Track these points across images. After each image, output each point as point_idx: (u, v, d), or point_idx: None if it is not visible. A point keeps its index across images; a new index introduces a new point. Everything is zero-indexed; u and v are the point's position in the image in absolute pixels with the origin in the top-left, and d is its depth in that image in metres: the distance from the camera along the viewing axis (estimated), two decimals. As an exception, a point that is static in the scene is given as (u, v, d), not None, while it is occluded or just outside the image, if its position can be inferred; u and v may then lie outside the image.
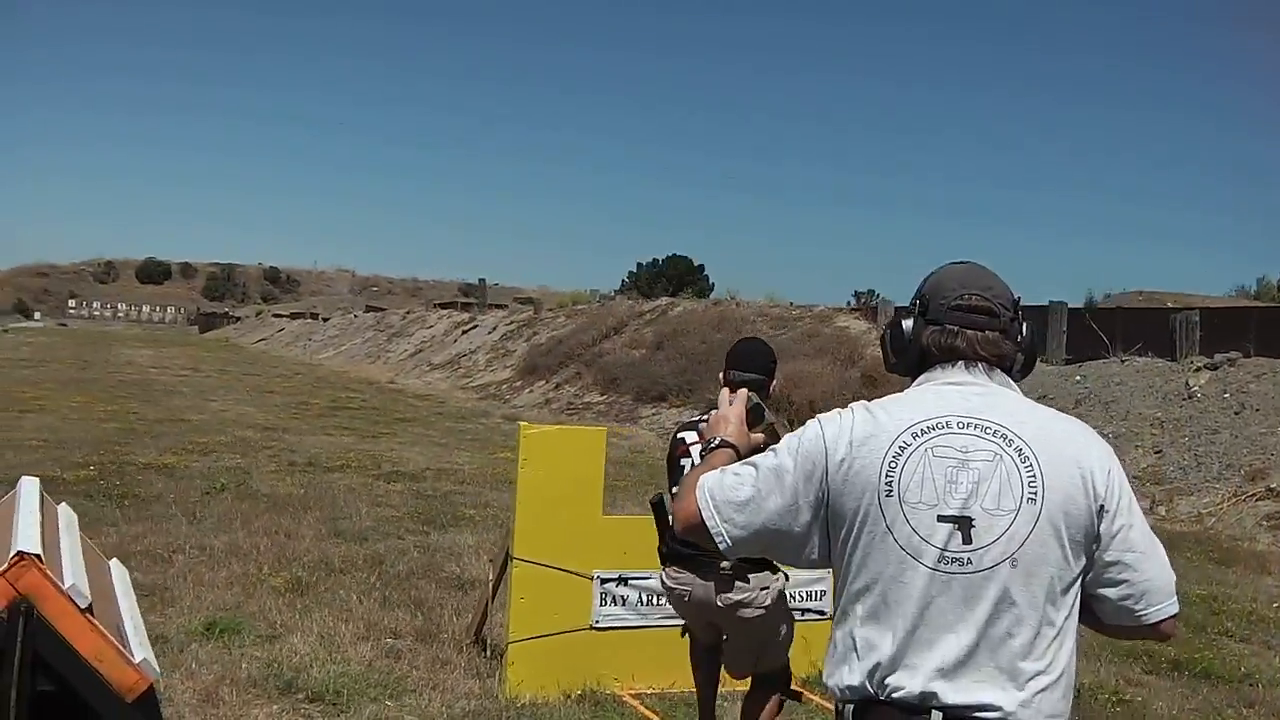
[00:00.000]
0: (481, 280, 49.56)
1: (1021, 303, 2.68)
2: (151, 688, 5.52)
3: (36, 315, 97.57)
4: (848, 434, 2.51)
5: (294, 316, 77.04)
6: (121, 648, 5.10)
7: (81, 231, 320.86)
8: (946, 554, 2.40)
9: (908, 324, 2.67)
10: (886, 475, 2.45)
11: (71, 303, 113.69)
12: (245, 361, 46.30)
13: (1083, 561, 2.45)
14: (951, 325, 2.59)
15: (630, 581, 6.39)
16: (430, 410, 26.54)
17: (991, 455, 2.44)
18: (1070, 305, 21.82)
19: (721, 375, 5.04)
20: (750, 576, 4.93)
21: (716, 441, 2.80)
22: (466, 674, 6.50)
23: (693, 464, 4.53)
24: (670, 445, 5.33)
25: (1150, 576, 2.48)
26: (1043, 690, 2.39)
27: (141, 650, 5.24)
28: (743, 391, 2.99)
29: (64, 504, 6.72)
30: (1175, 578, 2.54)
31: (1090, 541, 2.45)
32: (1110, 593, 2.49)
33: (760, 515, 2.53)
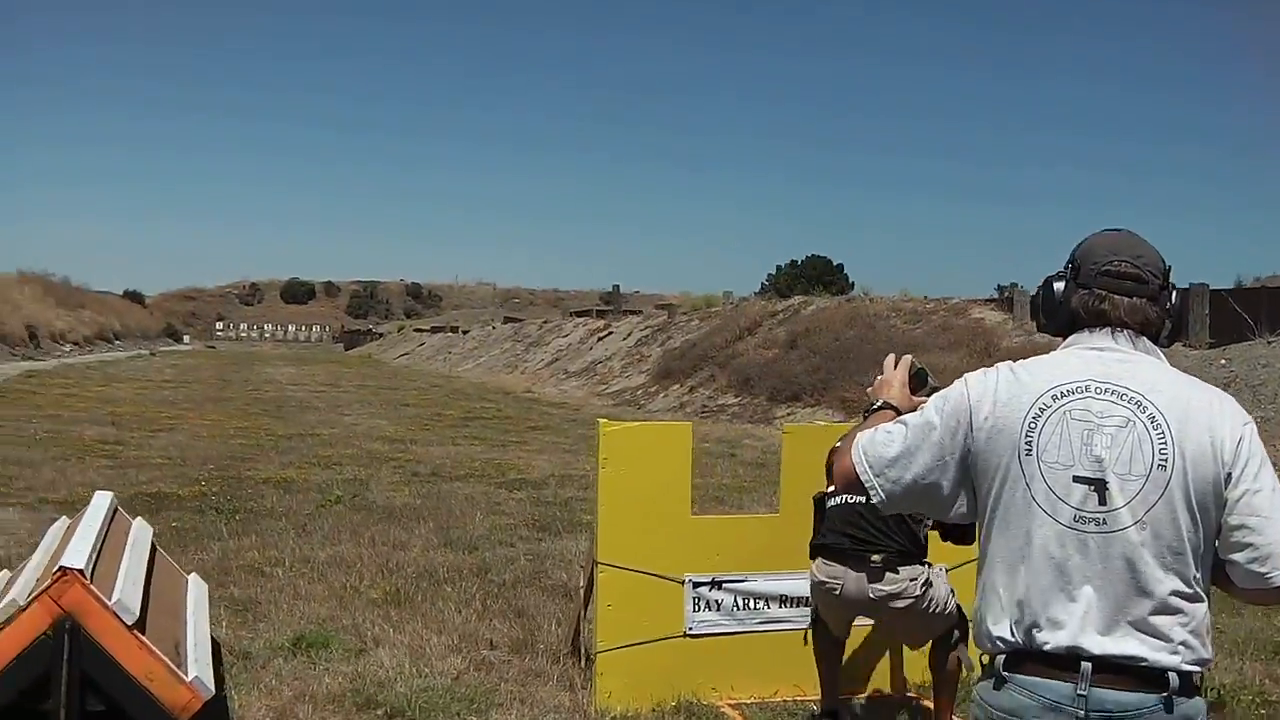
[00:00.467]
0: (616, 287, 49.41)
1: (1172, 272, 2.73)
2: (216, 704, 5.34)
3: (185, 339, 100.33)
4: (991, 393, 2.64)
5: (434, 330, 78.01)
6: (173, 665, 4.90)
7: (226, 255, 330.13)
8: (1082, 514, 2.51)
9: (1059, 286, 2.76)
10: (1026, 435, 2.57)
11: (219, 325, 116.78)
12: (385, 376, 46.85)
13: (1212, 526, 2.53)
14: (1100, 290, 2.67)
15: (725, 585, 6.00)
16: (564, 418, 26.36)
17: (1124, 421, 2.53)
18: (1212, 287, 20.74)
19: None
20: (900, 569, 5.04)
21: (879, 403, 3.02)
22: (559, 686, 6.18)
23: None
24: (845, 437, 5.17)
25: (1275, 540, 2.50)
26: (1181, 642, 2.49)
27: (197, 668, 5.05)
28: (907, 357, 3.18)
29: (139, 519, 6.64)
30: None
31: (1218, 507, 2.52)
32: (1238, 556, 2.54)
33: (910, 470, 2.67)
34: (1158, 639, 2.48)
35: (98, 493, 6.57)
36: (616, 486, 5.88)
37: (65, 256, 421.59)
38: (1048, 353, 2.76)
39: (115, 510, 6.38)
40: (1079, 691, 2.48)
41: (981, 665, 2.71)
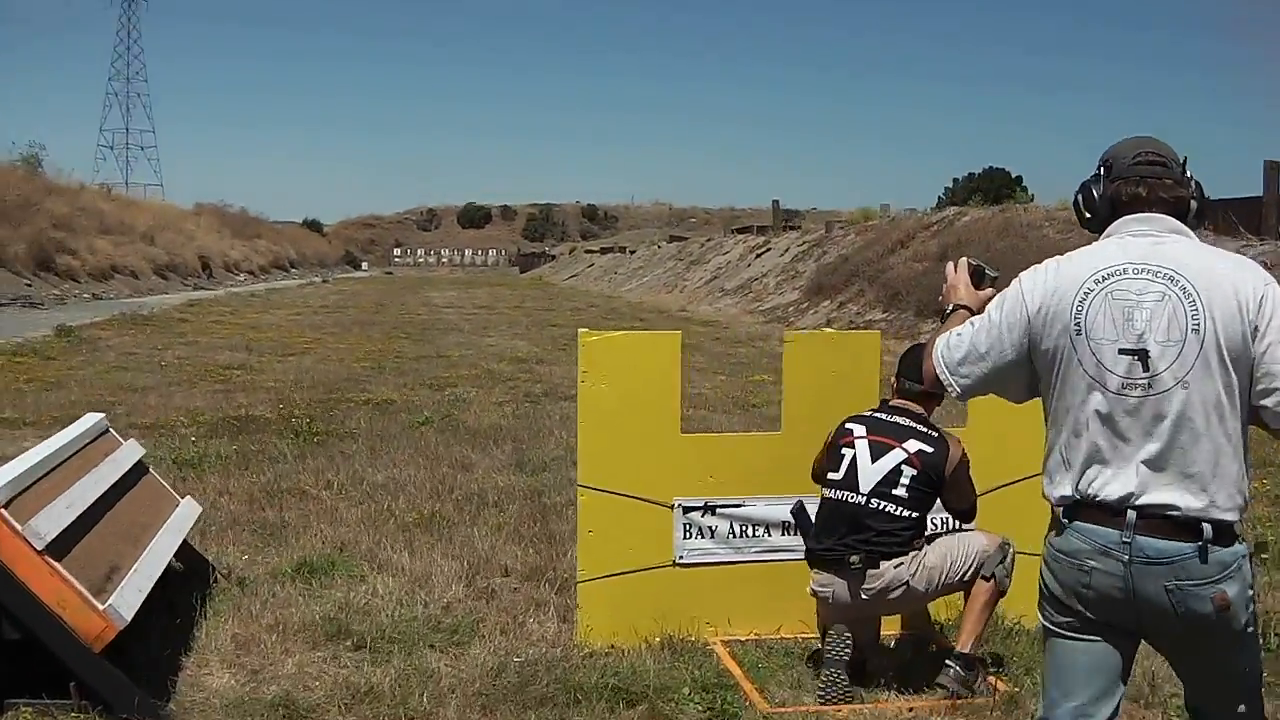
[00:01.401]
0: (775, 202, 48.04)
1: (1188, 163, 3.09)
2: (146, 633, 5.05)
3: (364, 265, 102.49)
4: (1042, 285, 3.02)
5: (604, 251, 78.04)
6: (87, 593, 4.60)
7: (404, 182, 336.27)
8: (1128, 381, 2.87)
9: (1096, 186, 3.12)
10: (1075, 317, 2.94)
11: (396, 252, 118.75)
12: (546, 298, 46.91)
13: (1245, 377, 2.86)
14: (1135, 176, 3.02)
15: (719, 510, 5.46)
16: (709, 336, 25.81)
17: (1160, 295, 2.88)
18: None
19: (894, 381, 5.19)
20: (881, 563, 4.86)
21: (951, 307, 3.39)
22: (554, 616, 5.75)
23: (855, 455, 4.95)
24: (834, 432, 5.15)
25: None
26: (1218, 491, 2.84)
27: (121, 595, 4.73)
28: (963, 259, 3.53)
29: (132, 440, 6.38)
30: None
31: (1247, 359, 2.84)
32: (1268, 401, 2.85)
33: (979, 365, 3.10)
34: (1196, 490, 2.83)
35: (87, 415, 6.35)
36: (597, 402, 5.37)
37: (245, 189, 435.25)
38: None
39: (104, 432, 6.16)
40: (1124, 538, 2.86)
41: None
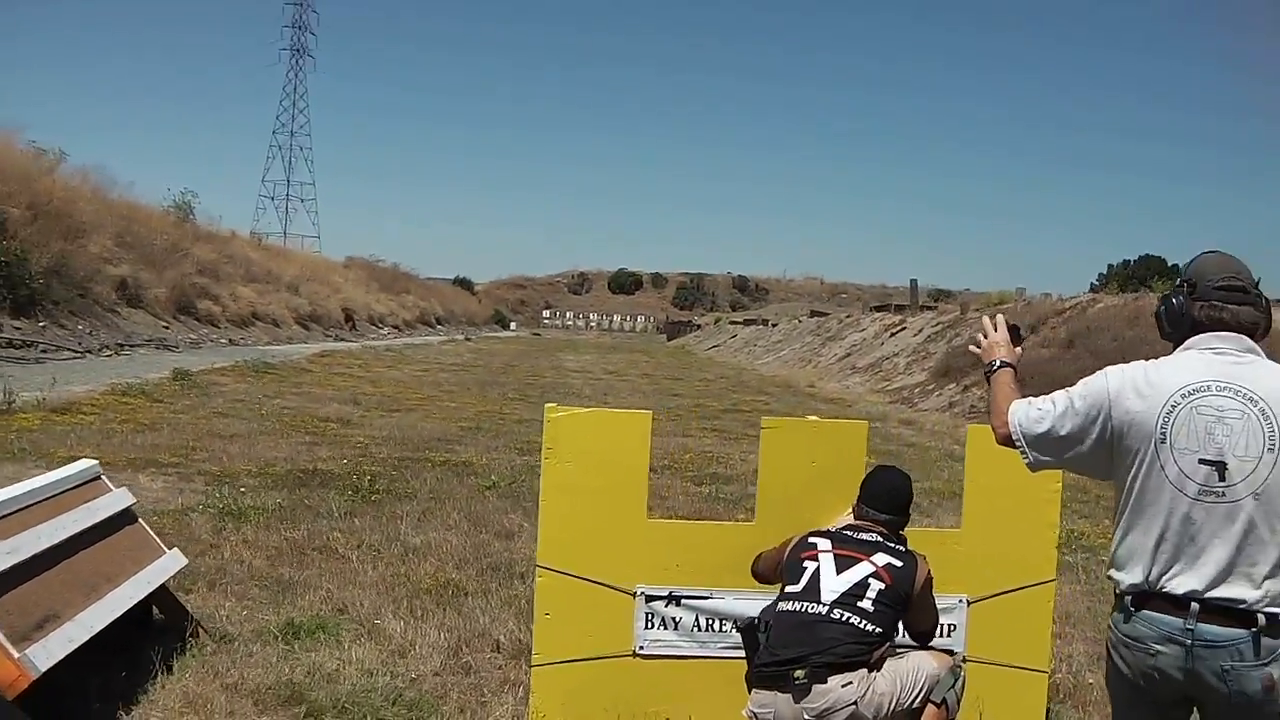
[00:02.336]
0: (913, 281, 47.64)
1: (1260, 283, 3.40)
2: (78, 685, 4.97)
3: (512, 325, 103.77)
4: (1131, 387, 3.30)
5: (747, 323, 77.91)
6: (3, 640, 4.54)
7: (556, 245, 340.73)
8: (1205, 488, 3.18)
9: (1179, 301, 3.42)
10: (1161, 426, 3.23)
11: (546, 313, 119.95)
12: (680, 367, 46.85)
13: None
14: (1217, 302, 3.34)
15: (684, 601, 5.20)
16: (828, 415, 25.23)
17: (1240, 414, 3.19)
18: None
19: (853, 509, 4.89)
20: (829, 678, 4.40)
21: (998, 364, 3.74)
22: (523, 699, 5.51)
23: (818, 568, 4.60)
24: (794, 545, 4.81)
25: None
26: (1274, 587, 3.14)
27: (44, 646, 4.65)
28: (1000, 317, 3.86)
29: (124, 489, 6.38)
30: None
31: None
32: None
33: (1058, 445, 3.41)
34: (1254, 587, 3.15)
35: (81, 460, 6.36)
36: (561, 480, 5.17)
37: (400, 245, 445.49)
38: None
39: (94, 478, 6.16)
40: (1186, 625, 3.17)
41: (1116, 597, 3.39)
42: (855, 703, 4.42)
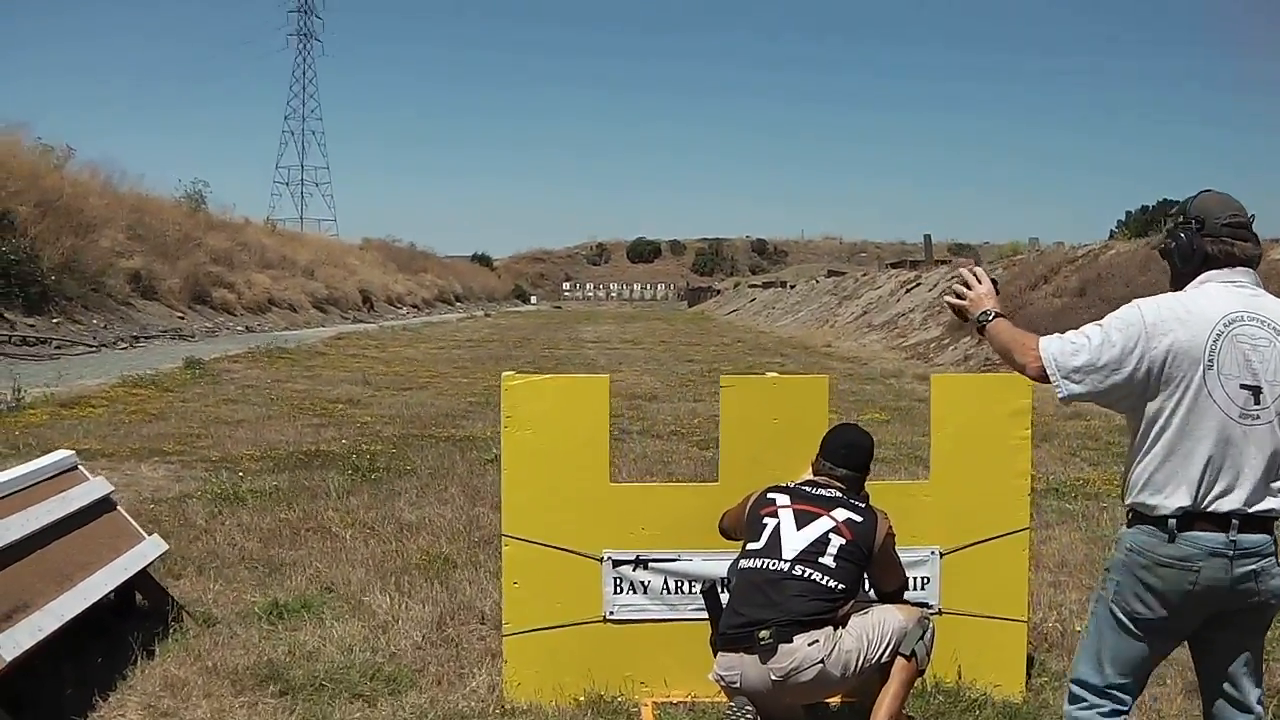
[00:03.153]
0: (927, 236, 47.35)
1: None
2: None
3: (533, 299, 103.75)
4: (1171, 315, 3.46)
5: (766, 286, 77.72)
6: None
7: (574, 217, 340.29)
8: (1245, 412, 3.42)
9: (1188, 236, 3.59)
10: (1210, 353, 3.42)
11: (566, 286, 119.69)
12: (700, 332, 46.76)
13: None
14: (1227, 239, 3.54)
15: (651, 564, 5.19)
16: (842, 373, 25.23)
17: (1269, 341, 3.45)
18: None
19: (812, 465, 4.85)
20: (795, 636, 4.40)
21: (991, 315, 3.84)
22: (501, 670, 5.53)
23: (778, 524, 4.60)
24: (754, 502, 4.80)
25: None
26: None
27: (13, 636, 4.70)
28: (981, 270, 4.00)
29: (100, 477, 6.41)
30: None
31: None
32: None
33: (1095, 376, 3.49)
34: (1275, 496, 3.43)
35: (57, 451, 6.40)
36: (522, 448, 5.17)
37: (418, 225, 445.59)
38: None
39: (70, 469, 6.19)
40: (1230, 538, 3.40)
41: (1129, 518, 3.59)
42: (822, 661, 4.41)
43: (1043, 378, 3.57)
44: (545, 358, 29.43)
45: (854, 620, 4.57)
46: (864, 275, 53.56)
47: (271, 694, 5.22)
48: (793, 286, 68.11)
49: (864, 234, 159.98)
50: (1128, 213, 69.22)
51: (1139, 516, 3.55)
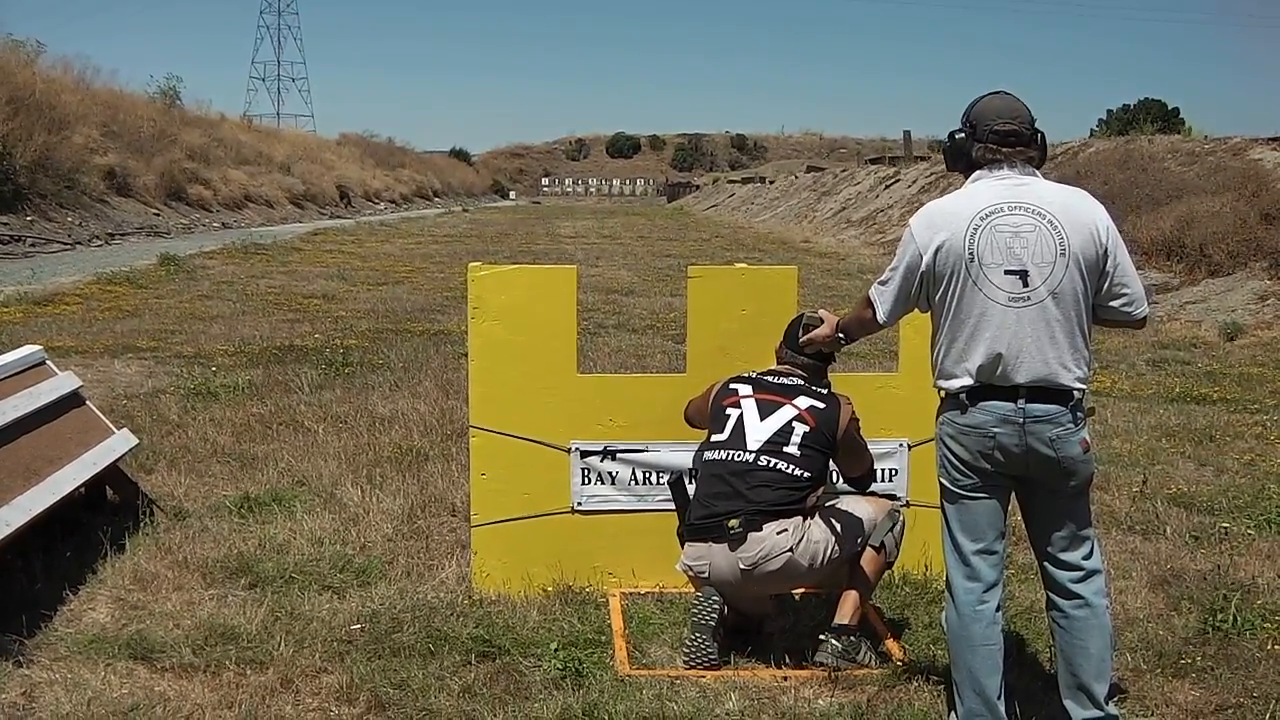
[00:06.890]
0: (906, 133, 46.78)
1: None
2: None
3: (511, 195, 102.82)
4: (928, 223, 3.85)
5: (745, 182, 77.00)
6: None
7: (553, 112, 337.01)
8: (1014, 295, 3.70)
9: (961, 139, 3.91)
10: (969, 247, 3.73)
11: (545, 181, 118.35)
12: (678, 228, 46.50)
13: (1095, 287, 3.79)
14: (993, 145, 3.82)
15: (619, 455, 5.22)
16: (820, 269, 25.22)
17: (1033, 227, 3.72)
18: None
19: (775, 352, 4.89)
20: (764, 525, 4.46)
21: (841, 332, 4.49)
22: (470, 561, 5.56)
23: (741, 414, 4.70)
24: (717, 392, 4.85)
25: (1137, 290, 3.85)
26: (1076, 368, 3.73)
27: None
28: (816, 316, 4.68)
29: (69, 372, 6.37)
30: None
31: (1100, 273, 3.78)
32: (1114, 302, 3.84)
33: (894, 296, 3.95)
34: (1065, 369, 3.71)
35: (24, 346, 6.35)
36: (489, 339, 5.16)
37: (396, 120, 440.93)
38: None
39: (38, 364, 6.15)
40: (1018, 407, 3.71)
41: (942, 397, 3.91)
42: (791, 549, 4.45)
43: (881, 326, 4.09)
44: (523, 253, 29.24)
45: (822, 511, 4.59)
46: (843, 171, 53.14)
47: (242, 586, 5.26)
48: (772, 182, 67.54)
49: (844, 129, 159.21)
50: (1109, 111, 68.76)
51: (944, 398, 3.90)
